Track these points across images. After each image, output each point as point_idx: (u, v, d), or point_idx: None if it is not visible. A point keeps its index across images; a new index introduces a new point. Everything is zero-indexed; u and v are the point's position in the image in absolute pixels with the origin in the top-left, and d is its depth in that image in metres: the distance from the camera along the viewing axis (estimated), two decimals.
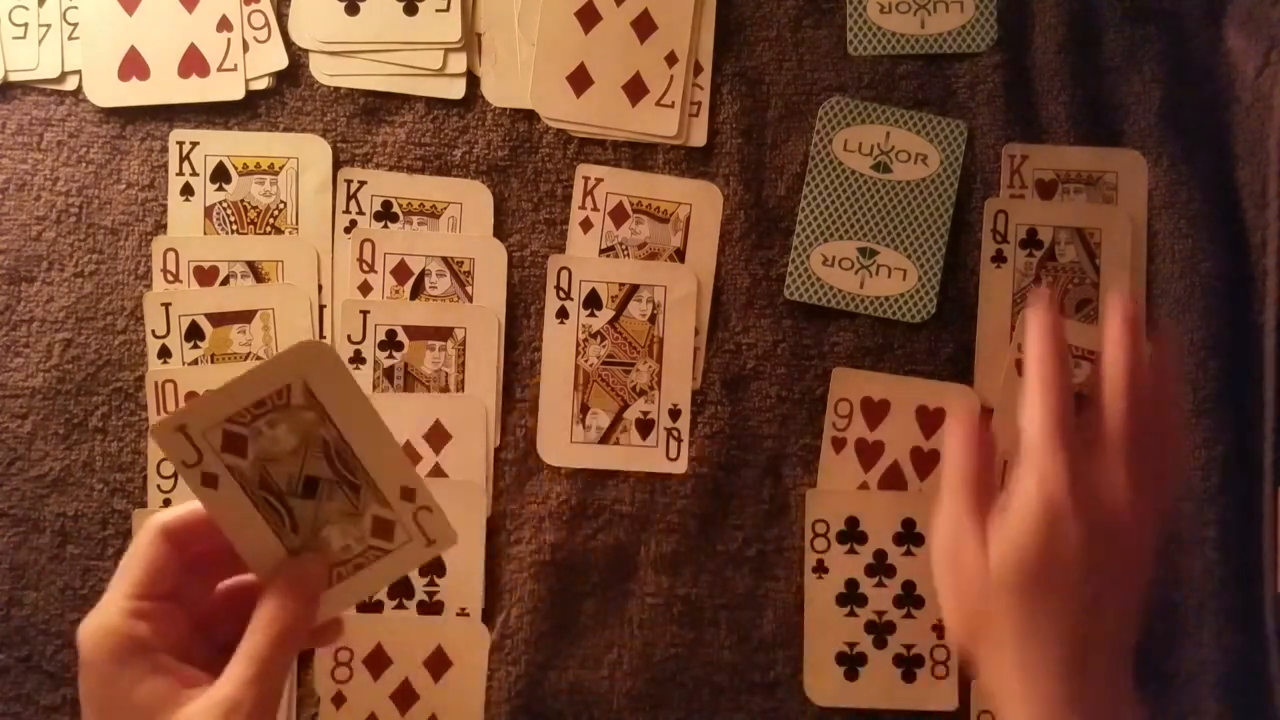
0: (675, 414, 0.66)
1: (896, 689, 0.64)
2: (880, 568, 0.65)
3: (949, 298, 0.66)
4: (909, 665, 0.64)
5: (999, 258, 0.66)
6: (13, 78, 0.67)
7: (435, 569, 0.65)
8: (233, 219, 0.67)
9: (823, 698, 0.64)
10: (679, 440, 0.66)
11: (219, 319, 0.66)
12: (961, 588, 0.55)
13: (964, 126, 0.66)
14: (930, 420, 0.65)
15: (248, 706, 0.45)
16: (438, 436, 0.65)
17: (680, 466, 0.66)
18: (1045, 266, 0.66)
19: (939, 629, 0.64)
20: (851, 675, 0.64)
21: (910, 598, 0.65)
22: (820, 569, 0.65)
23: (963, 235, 0.67)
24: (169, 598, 0.48)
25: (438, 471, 0.65)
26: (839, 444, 0.66)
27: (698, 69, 0.67)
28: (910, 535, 0.65)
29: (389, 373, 0.66)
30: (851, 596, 0.65)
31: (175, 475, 0.65)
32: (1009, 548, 0.53)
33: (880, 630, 0.65)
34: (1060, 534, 0.52)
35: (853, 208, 0.66)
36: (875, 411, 0.66)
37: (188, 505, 0.49)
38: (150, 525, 0.48)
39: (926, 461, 0.65)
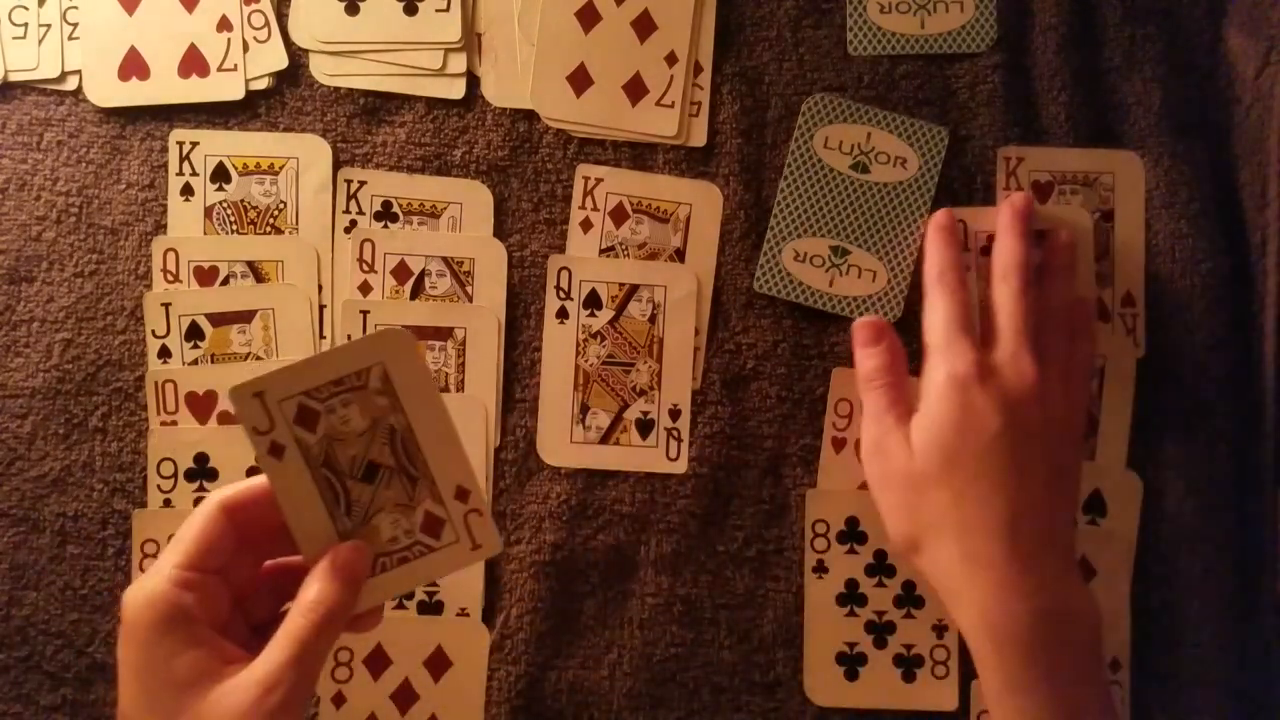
0: (675, 414, 0.66)
1: (896, 689, 0.64)
2: (880, 568, 0.65)
3: None
4: (909, 665, 0.64)
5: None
6: (13, 78, 0.67)
7: None
8: (233, 219, 0.67)
9: (823, 698, 0.64)
10: (679, 440, 0.66)
11: (219, 319, 0.66)
12: (892, 483, 0.59)
13: (945, 133, 0.66)
14: None
15: (285, 687, 0.46)
16: None
17: (680, 466, 0.66)
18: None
19: (939, 629, 0.64)
20: (851, 675, 0.64)
21: (910, 598, 0.65)
22: (820, 569, 0.65)
23: None
24: (217, 572, 0.48)
25: None
26: (839, 444, 0.66)
27: (698, 69, 0.67)
28: None
29: None
30: (851, 596, 0.65)
31: (175, 475, 0.65)
32: (927, 434, 0.58)
33: (880, 630, 0.65)
34: (973, 409, 0.57)
35: (829, 206, 0.66)
36: None
37: (248, 482, 0.50)
38: (211, 499, 0.49)
39: None
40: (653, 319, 0.66)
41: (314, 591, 0.48)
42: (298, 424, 0.49)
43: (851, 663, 0.64)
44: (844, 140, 0.67)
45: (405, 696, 0.64)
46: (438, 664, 0.64)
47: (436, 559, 0.51)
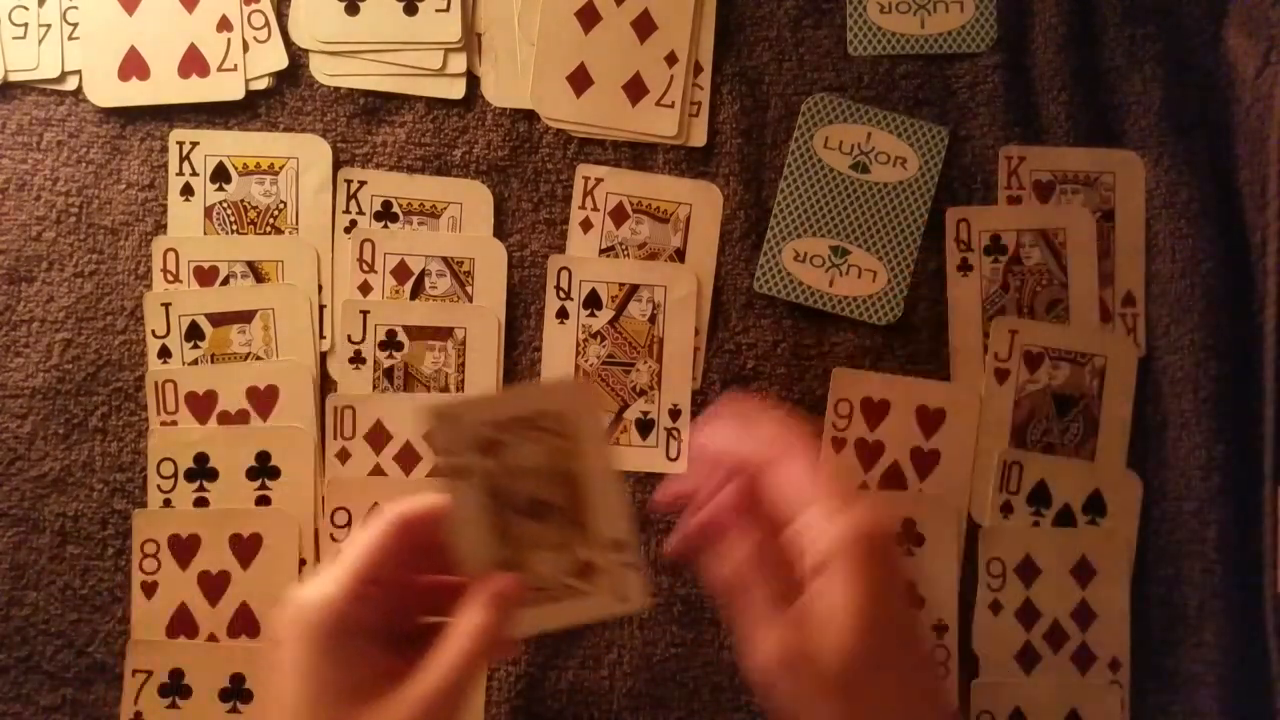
0: (675, 414, 0.66)
1: None
2: None
3: (948, 300, 0.67)
4: None
5: (964, 266, 0.66)
6: (13, 78, 0.67)
7: None
8: (233, 219, 0.67)
9: None
10: (679, 440, 0.66)
11: (219, 319, 0.66)
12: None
13: (945, 132, 0.66)
14: (930, 420, 0.65)
15: (438, 709, 0.46)
16: None
17: (680, 466, 0.65)
18: (1012, 271, 0.66)
19: (939, 629, 0.64)
20: None
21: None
22: None
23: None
24: (385, 585, 0.49)
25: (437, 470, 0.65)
26: (839, 444, 0.66)
27: (698, 69, 0.67)
28: (911, 535, 0.65)
29: (389, 373, 0.66)
30: None
31: (175, 475, 0.65)
32: (847, 618, 0.45)
33: None
34: (895, 570, 0.47)
35: (829, 206, 0.66)
36: (875, 411, 0.66)
37: (425, 498, 0.50)
38: (393, 513, 0.49)
39: (926, 461, 0.65)
40: (653, 319, 0.66)
41: (473, 618, 0.48)
42: (483, 451, 0.50)
43: None
44: (844, 140, 0.67)
45: None
46: None
47: (584, 604, 0.51)
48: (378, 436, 0.65)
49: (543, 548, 0.51)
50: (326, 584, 0.47)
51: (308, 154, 0.67)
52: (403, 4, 0.67)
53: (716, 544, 0.49)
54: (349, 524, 0.65)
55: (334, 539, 0.65)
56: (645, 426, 0.66)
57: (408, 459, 0.65)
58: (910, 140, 0.66)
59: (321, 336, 0.66)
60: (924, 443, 0.65)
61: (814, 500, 0.47)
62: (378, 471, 0.65)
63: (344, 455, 0.65)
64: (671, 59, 0.67)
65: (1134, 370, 0.65)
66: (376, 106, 0.67)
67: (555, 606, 0.51)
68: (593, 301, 0.66)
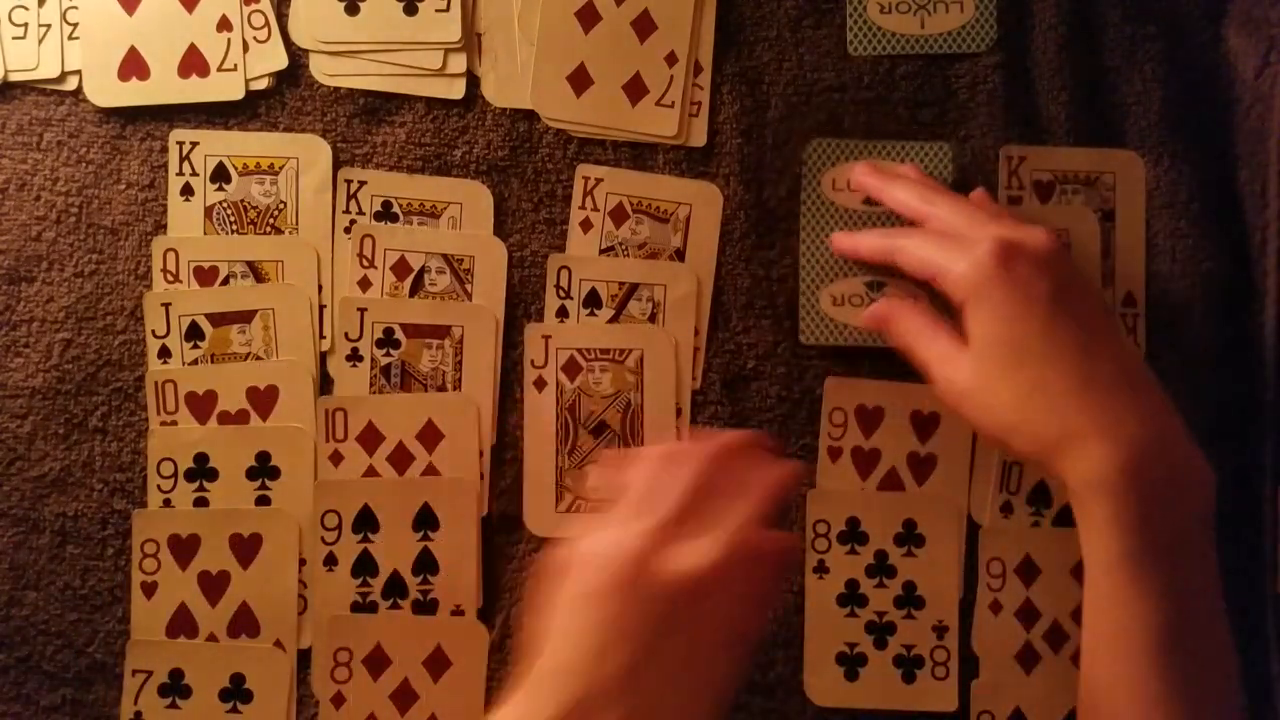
0: (675, 414, 0.66)
1: (896, 689, 0.64)
2: (881, 568, 0.65)
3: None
4: (909, 666, 0.64)
5: None
6: (13, 78, 0.67)
7: (429, 567, 0.65)
8: (233, 219, 0.67)
9: (823, 698, 0.64)
10: (679, 440, 0.66)
11: (219, 319, 0.66)
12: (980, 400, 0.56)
13: (947, 148, 0.66)
14: (926, 425, 0.65)
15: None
16: (430, 435, 0.65)
17: None
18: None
19: (940, 629, 0.64)
20: (851, 675, 0.64)
21: (911, 598, 0.65)
22: (821, 569, 0.65)
23: None
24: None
25: (431, 470, 0.65)
26: (835, 453, 0.65)
27: (698, 69, 0.67)
28: (911, 536, 0.65)
29: (386, 370, 0.66)
30: (852, 597, 0.65)
31: (175, 475, 0.65)
32: (988, 330, 0.55)
33: (880, 631, 0.65)
34: (1020, 282, 0.55)
35: None
36: (870, 419, 0.66)
37: (734, 436, 0.54)
38: (709, 449, 0.52)
39: (924, 467, 0.65)
40: (653, 318, 0.66)
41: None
42: (564, 370, 0.63)
43: (851, 663, 0.64)
44: (851, 178, 0.66)
45: (405, 696, 0.64)
46: (437, 664, 0.64)
47: None
48: (370, 438, 0.65)
49: (598, 464, 0.63)
50: (634, 538, 0.48)
51: (308, 154, 0.67)
52: (403, 4, 0.67)
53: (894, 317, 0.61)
54: (339, 527, 0.65)
55: (324, 542, 0.65)
56: None
57: (401, 460, 0.65)
58: (915, 161, 0.66)
59: (321, 336, 0.66)
60: (920, 447, 0.65)
61: (937, 260, 0.57)
62: (371, 473, 0.65)
63: (337, 458, 0.65)
64: (671, 59, 0.67)
65: None
66: (376, 106, 0.67)
67: (598, 518, 0.55)
68: (592, 300, 0.66)
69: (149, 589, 0.65)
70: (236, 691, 0.64)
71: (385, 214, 0.67)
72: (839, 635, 0.65)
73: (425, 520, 0.65)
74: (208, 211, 0.67)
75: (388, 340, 0.66)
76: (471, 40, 0.67)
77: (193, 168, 0.67)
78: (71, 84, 0.67)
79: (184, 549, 0.65)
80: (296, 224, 0.67)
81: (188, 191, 0.67)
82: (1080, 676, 0.56)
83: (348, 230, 0.67)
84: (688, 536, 0.49)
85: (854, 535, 0.65)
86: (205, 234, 0.67)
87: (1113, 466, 0.52)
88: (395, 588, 0.65)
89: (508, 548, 0.65)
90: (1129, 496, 0.51)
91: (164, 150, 0.67)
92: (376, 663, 0.64)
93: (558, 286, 0.66)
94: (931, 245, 0.58)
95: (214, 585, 0.65)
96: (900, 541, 0.65)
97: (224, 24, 0.67)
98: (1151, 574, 0.51)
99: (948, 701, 0.64)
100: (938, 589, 0.64)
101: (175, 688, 0.64)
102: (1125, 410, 0.53)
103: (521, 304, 0.67)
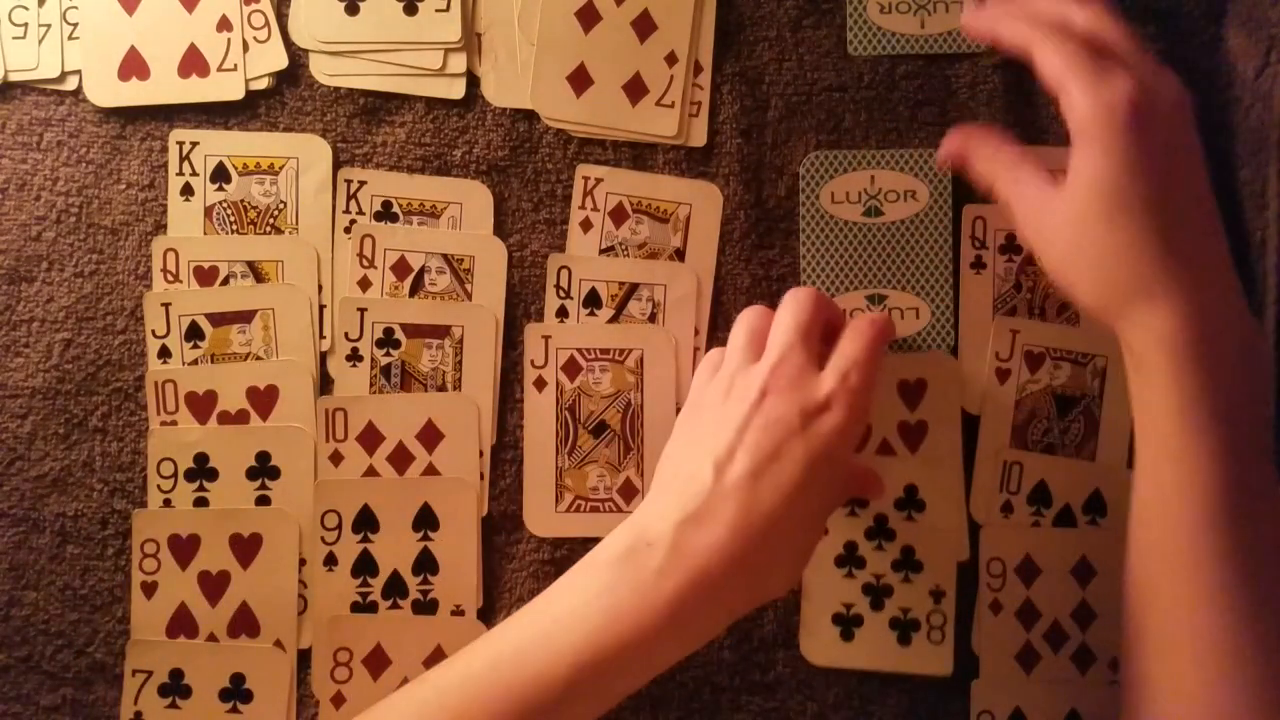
0: (676, 413, 0.66)
1: (892, 651, 0.64)
2: (880, 531, 0.65)
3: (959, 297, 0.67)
4: (905, 629, 0.64)
5: (978, 264, 0.66)
6: (13, 78, 0.67)
7: (428, 567, 0.65)
8: (233, 219, 0.67)
9: (818, 657, 0.65)
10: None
11: (219, 319, 0.66)
12: (1068, 240, 0.55)
13: None
14: (913, 392, 0.65)
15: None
16: (430, 435, 0.65)
17: None
18: (1025, 271, 0.66)
19: (937, 594, 0.64)
20: (847, 636, 0.65)
21: (909, 562, 0.65)
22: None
23: None
24: None
25: (430, 470, 0.65)
26: None
27: (698, 69, 0.67)
28: (911, 501, 0.65)
29: (386, 370, 0.66)
30: (850, 558, 0.65)
31: (175, 475, 0.65)
32: (1092, 180, 0.53)
33: (878, 593, 0.65)
34: (1145, 121, 0.53)
35: (853, 258, 0.66)
36: None
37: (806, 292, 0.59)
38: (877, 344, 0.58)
39: (914, 434, 0.65)
40: (652, 318, 0.66)
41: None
42: (563, 370, 0.63)
43: (847, 624, 0.65)
44: (849, 190, 0.66)
45: None
46: (437, 664, 0.64)
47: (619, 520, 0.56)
48: (370, 438, 0.65)
49: (597, 463, 0.64)
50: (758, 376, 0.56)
51: (308, 154, 0.67)
52: (403, 4, 0.67)
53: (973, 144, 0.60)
54: (339, 527, 0.65)
55: (324, 542, 0.65)
56: None
57: (401, 460, 0.65)
58: (914, 171, 0.66)
59: (321, 336, 0.66)
60: (909, 415, 0.65)
61: (1071, 79, 0.54)
62: (371, 473, 0.65)
63: (337, 458, 0.65)
64: (671, 59, 0.67)
65: None
66: (376, 106, 0.67)
67: (596, 517, 0.62)
68: (592, 300, 0.66)
69: (149, 589, 0.65)
70: (236, 691, 0.64)
71: (385, 214, 0.67)
72: (836, 596, 0.65)
73: (425, 520, 0.65)
74: (208, 211, 0.67)
75: (388, 340, 0.66)
76: (471, 40, 0.67)
77: (193, 168, 0.67)
78: (71, 84, 0.67)
79: (184, 549, 0.65)
80: (296, 224, 0.67)
81: (188, 191, 0.67)
82: (1128, 553, 0.55)
83: (348, 230, 0.67)
84: (807, 373, 0.56)
85: (855, 498, 0.65)
86: (205, 234, 0.67)
87: (1181, 325, 0.52)
88: (395, 588, 0.65)
89: (508, 548, 0.65)
90: (1194, 354, 0.52)
91: (164, 150, 0.67)
92: (376, 663, 0.64)
93: (558, 286, 0.66)
94: (1070, 58, 0.54)
95: (214, 585, 0.65)
96: (901, 506, 0.65)
97: (224, 24, 0.67)
98: (1211, 434, 0.51)
99: (943, 665, 0.64)
100: (936, 554, 0.65)
101: (175, 688, 0.65)
102: (1201, 276, 0.53)
103: (521, 304, 0.67)
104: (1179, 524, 0.52)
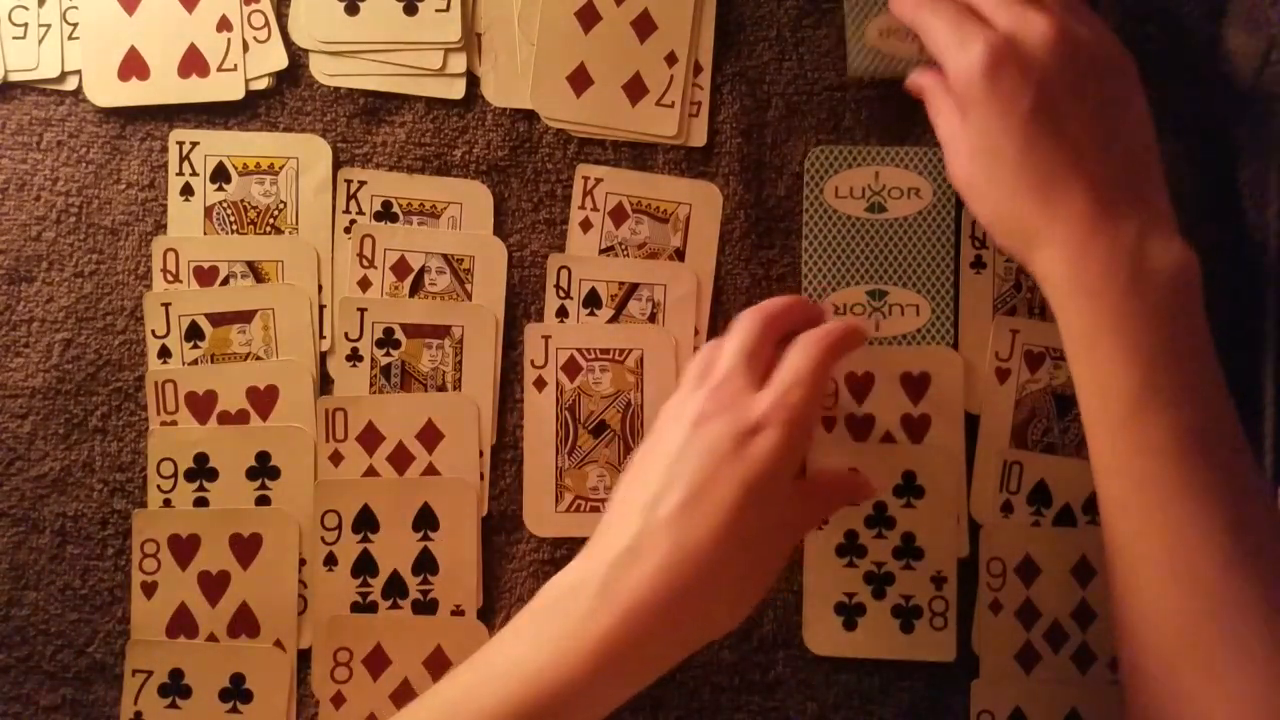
0: None
1: (894, 639, 0.64)
2: (880, 519, 0.65)
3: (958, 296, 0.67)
4: (907, 616, 0.64)
5: (978, 263, 0.66)
6: (13, 78, 0.67)
7: (428, 567, 0.65)
8: (233, 219, 0.67)
9: (821, 647, 0.65)
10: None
11: (219, 319, 0.66)
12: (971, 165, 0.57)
13: None
14: (916, 385, 0.65)
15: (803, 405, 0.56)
16: (430, 435, 0.65)
17: None
18: (1025, 271, 0.66)
19: (938, 580, 0.64)
20: (850, 625, 0.65)
21: (910, 549, 0.65)
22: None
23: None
24: None
25: (431, 470, 0.65)
26: (829, 423, 0.66)
27: (698, 69, 0.67)
28: (910, 488, 0.65)
29: (386, 370, 0.66)
30: (851, 547, 0.65)
31: (175, 475, 0.65)
32: (971, 143, 0.56)
33: (879, 581, 0.65)
34: (1004, 96, 0.55)
35: (854, 253, 0.66)
36: (860, 385, 0.66)
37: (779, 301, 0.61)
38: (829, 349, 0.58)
39: (918, 427, 0.65)
40: (652, 318, 0.66)
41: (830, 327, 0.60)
42: (565, 370, 0.64)
43: (850, 613, 0.65)
44: (853, 185, 0.66)
45: (405, 697, 0.64)
46: (437, 664, 0.64)
47: None
48: (370, 438, 0.65)
49: (597, 463, 0.63)
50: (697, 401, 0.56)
51: (308, 154, 0.67)
52: (403, 4, 0.67)
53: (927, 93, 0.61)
54: (339, 527, 0.65)
55: (324, 542, 0.65)
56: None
57: (401, 460, 0.65)
58: (918, 169, 0.66)
59: (321, 336, 0.66)
60: (913, 408, 0.65)
61: (940, 50, 0.58)
62: (371, 473, 0.65)
63: (337, 458, 0.65)
64: (671, 59, 0.67)
65: None
66: (376, 106, 0.67)
67: (595, 516, 0.57)
68: (592, 300, 0.66)
69: (149, 589, 0.65)
70: (236, 691, 0.64)
71: (385, 214, 0.67)
72: (838, 585, 0.65)
73: (425, 520, 0.65)
74: (208, 211, 0.67)
75: (388, 340, 0.66)
76: (471, 40, 0.67)
77: (193, 168, 0.67)
78: (71, 84, 0.67)
79: (184, 549, 0.65)
80: (296, 224, 0.67)
81: (188, 191, 0.67)
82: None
83: (348, 230, 0.67)
84: (744, 395, 0.55)
85: (845, 504, 0.65)
86: (205, 234, 0.67)
87: (1065, 269, 0.54)
88: (395, 588, 0.65)
89: (508, 548, 0.65)
90: (1080, 289, 0.54)
91: (164, 150, 0.67)
92: (376, 663, 0.64)
93: (558, 286, 0.66)
94: (941, 28, 0.58)
95: (214, 585, 0.65)
96: (899, 493, 0.65)
97: (224, 24, 0.67)
98: (1107, 350, 0.53)
99: (946, 651, 0.64)
100: (937, 540, 0.65)
101: (175, 688, 0.65)
102: (1090, 213, 0.54)
103: (521, 304, 0.67)
104: (1096, 430, 0.54)
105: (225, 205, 0.67)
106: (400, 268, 0.66)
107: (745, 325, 0.59)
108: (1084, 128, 0.55)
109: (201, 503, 0.65)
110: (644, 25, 0.67)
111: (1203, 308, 0.55)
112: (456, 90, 0.67)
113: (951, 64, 0.57)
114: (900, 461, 0.65)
